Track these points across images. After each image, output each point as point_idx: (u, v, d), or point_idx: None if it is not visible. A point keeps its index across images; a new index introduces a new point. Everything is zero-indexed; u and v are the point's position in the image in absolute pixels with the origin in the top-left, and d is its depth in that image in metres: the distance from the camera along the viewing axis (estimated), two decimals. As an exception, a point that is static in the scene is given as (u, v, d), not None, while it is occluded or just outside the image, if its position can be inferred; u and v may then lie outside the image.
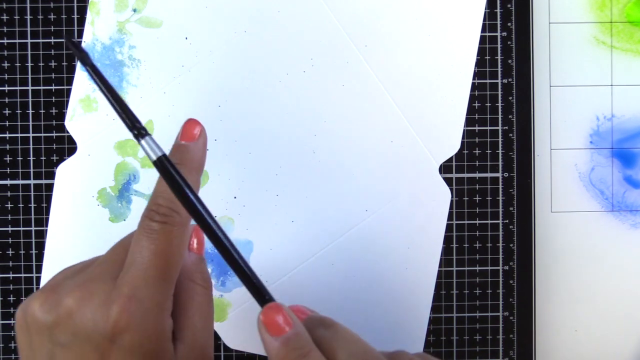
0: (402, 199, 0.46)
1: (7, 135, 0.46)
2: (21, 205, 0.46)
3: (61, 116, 0.46)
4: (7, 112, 0.46)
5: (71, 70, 0.46)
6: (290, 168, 0.46)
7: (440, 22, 0.46)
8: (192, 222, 0.32)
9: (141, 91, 0.45)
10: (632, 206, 0.48)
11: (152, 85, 0.45)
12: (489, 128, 0.47)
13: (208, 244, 0.45)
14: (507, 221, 0.47)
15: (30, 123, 0.46)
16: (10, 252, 0.46)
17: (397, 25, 0.46)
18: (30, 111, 0.46)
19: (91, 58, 0.32)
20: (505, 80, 0.47)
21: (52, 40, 0.46)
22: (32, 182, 0.46)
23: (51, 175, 0.46)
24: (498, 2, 0.46)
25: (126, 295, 0.30)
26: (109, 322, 0.30)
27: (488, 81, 0.47)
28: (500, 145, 0.47)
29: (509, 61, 0.47)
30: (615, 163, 0.48)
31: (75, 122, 0.46)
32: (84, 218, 0.45)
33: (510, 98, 0.47)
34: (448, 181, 0.46)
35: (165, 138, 0.45)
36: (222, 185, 0.46)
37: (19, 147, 0.46)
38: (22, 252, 0.46)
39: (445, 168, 0.47)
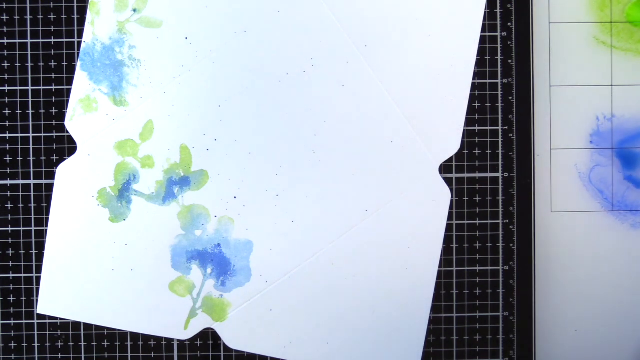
0: (402, 199, 0.46)
1: (7, 135, 0.46)
2: (21, 205, 0.46)
3: (61, 116, 0.46)
4: (7, 112, 0.46)
5: (71, 70, 0.46)
6: (290, 168, 0.46)
7: (440, 22, 0.46)
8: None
9: (141, 91, 0.45)
10: (632, 206, 0.48)
11: (152, 85, 0.45)
12: (489, 128, 0.47)
13: (209, 244, 0.46)
14: (507, 221, 0.47)
15: (30, 123, 0.46)
16: (10, 252, 0.46)
17: (397, 25, 0.46)
18: (30, 111, 0.46)
19: None
20: (505, 80, 0.47)
21: (52, 40, 0.46)
22: (32, 182, 0.46)
23: (51, 175, 0.46)
24: (498, 2, 0.46)
25: None
26: None
27: (488, 81, 0.47)
28: (500, 145, 0.47)
29: (509, 61, 0.47)
30: (615, 163, 0.48)
31: (75, 122, 0.46)
32: (84, 218, 0.45)
33: (510, 98, 0.47)
34: (448, 181, 0.46)
35: (165, 138, 0.46)
36: (222, 185, 0.46)
37: (19, 147, 0.46)
38: (22, 252, 0.46)
39: (445, 168, 0.47)
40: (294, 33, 0.45)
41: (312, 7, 0.45)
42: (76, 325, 0.46)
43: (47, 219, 0.46)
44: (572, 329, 0.48)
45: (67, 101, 0.46)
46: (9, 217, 0.46)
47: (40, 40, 0.46)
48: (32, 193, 0.46)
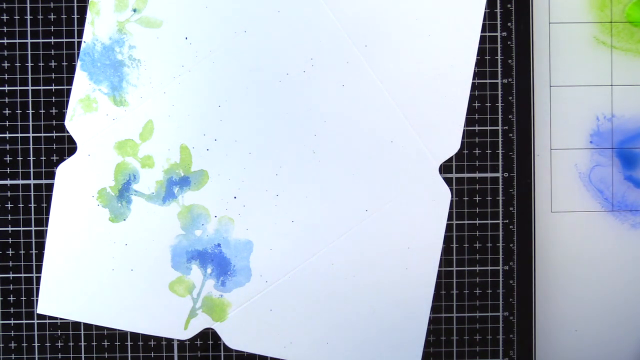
0: (402, 199, 0.46)
1: (7, 135, 0.46)
2: (21, 205, 0.46)
3: (61, 116, 0.46)
4: (7, 112, 0.46)
5: (71, 70, 0.46)
6: (290, 168, 0.46)
7: (440, 22, 0.46)
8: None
9: (141, 91, 0.45)
10: (632, 206, 0.48)
11: (152, 85, 0.45)
12: (489, 128, 0.47)
13: (209, 244, 0.46)
14: (507, 221, 0.47)
15: (30, 123, 0.46)
16: (10, 252, 0.46)
17: (397, 25, 0.46)
18: (30, 111, 0.46)
19: None
20: (505, 80, 0.47)
21: (52, 40, 0.46)
22: (32, 182, 0.46)
23: (51, 175, 0.46)
24: (498, 2, 0.46)
25: None
26: None
27: (488, 81, 0.47)
28: (500, 145, 0.47)
29: (509, 61, 0.47)
30: (615, 163, 0.48)
31: (75, 122, 0.46)
32: (84, 218, 0.45)
33: (510, 98, 0.47)
34: (448, 181, 0.46)
35: (165, 138, 0.46)
36: (222, 185, 0.46)
37: (19, 147, 0.46)
38: (22, 252, 0.46)
39: (445, 168, 0.47)
40: (294, 33, 0.45)
41: (312, 7, 0.45)
42: (76, 325, 0.46)
43: (47, 219, 0.46)
44: (572, 329, 0.48)
45: (67, 101, 0.46)
46: (9, 217, 0.46)
47: (40, 40, 0.46)
48: (32, 193, 0.46)
